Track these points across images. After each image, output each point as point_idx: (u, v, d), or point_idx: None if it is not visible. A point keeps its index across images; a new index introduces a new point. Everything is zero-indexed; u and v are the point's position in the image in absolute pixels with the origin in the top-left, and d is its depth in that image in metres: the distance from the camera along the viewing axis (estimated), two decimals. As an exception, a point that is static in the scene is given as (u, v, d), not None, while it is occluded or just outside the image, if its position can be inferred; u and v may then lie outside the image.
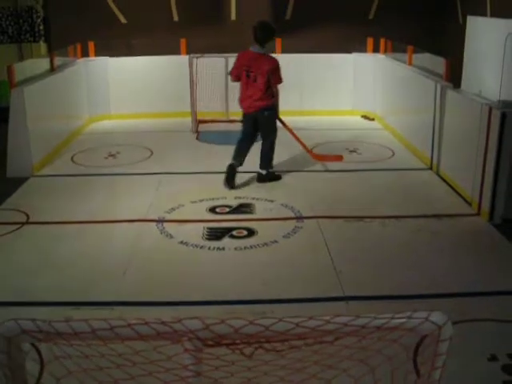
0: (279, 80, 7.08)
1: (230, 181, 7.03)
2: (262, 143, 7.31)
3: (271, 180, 7.34)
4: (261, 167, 7.33)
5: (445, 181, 7.26)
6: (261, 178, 7.31)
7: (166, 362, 1.82)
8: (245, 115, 7.18)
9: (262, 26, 7.01)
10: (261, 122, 7.07)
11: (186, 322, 1.74)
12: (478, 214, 6.25)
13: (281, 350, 1.92)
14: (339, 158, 7.84)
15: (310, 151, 7.87)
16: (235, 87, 10.05)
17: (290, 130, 7.50)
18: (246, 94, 7.05)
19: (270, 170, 7.38)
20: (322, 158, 7.96)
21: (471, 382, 3.60)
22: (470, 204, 6.48)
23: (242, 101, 7.12)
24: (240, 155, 7.14)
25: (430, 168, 7.73)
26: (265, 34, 6.99)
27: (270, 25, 7.18)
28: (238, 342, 1.82)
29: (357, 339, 1.83)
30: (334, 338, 1.83)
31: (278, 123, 7.31)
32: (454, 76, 7.62)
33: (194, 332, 1.73)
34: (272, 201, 6.69)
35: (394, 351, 1.89)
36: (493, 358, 3.79)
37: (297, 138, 7.61)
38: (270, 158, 7.36)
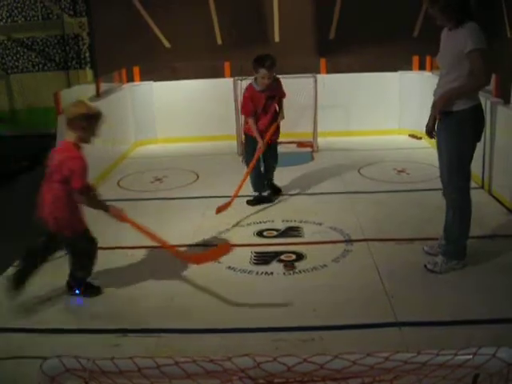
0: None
1: None
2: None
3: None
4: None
5: (497, 200, 7.05)
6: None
7: (215, 403, 1.74)
8: None
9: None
10: None
11: (236, 359, 1.66)
12: (534, 234, 6.05)
13: (337, 390, 1.82)
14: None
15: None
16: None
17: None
18: None
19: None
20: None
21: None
22: (525, 224, 6.28)
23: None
24: None
25: (482, 187, 7.52)
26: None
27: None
28: (291, 380, 1.73)
29: (417, 378, 1.72)
30: (393, 377, 1.72)
31: None
32: (503, 92, 7.43)
33: (244, 370, 1.65)
34: (320, 223, 6.57)
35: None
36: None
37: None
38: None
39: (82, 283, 5.10)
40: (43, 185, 4.74)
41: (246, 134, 7.37)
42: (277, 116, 7.14)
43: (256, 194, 7.34)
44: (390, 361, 1.64)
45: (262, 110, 7.00)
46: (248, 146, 7.30)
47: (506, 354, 1.63)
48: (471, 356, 1.65)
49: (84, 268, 5.07)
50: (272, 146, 7.18)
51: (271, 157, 7.27)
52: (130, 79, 10.82)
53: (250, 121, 7.02)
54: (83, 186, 4.67)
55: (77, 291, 5.08)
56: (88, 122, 4.68)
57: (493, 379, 1.66)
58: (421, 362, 1.66)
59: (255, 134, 6.99)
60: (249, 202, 7.26)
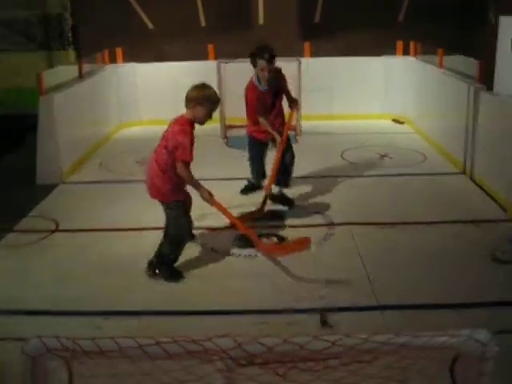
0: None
1: None
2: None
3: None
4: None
5: (479, 186, 7.10)
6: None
7: (196, 383, 1.75)
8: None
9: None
10: None
11: (217, 340, 1.66)
12: (515, 219, 6.09)
13: (316, 370, 1.83)
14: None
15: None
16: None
17: None
18: None
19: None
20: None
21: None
22: (505, 210, 6.32)
23: None
24: None
25: (464, 172, 7.57)
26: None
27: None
28: (271, 360, 1.74)
29: (396, 359, 1.74)
30: (373, 358, 1.74)
31: None
32: (486, 78, 7.46)
33: (225, 351, 1.66)
34: (303, 207, 6.59)
35: (435, 370, 1.79)
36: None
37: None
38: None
39: (165, 263, 5.09)
40: (155, 149, 5.16)
41: (250, 137, 6.75)
42: (282, 110, 6.60)
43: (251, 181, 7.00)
44: (369, 342, 1.65)
45: (271, 108, 6.42)
46: (252, 150, 6.82)
47: (481, 336, 1.66)
48: (448, 337, 1.67)
49: (171, 242, 5.08)
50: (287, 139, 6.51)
51: (288, 149, 6.54)
52: (113, 60, 10.73)
53: (262, 120, 6.32)
54: (186, 160, 4.94)
55: (156, 271, 5.08)
56: (206, 104, 4.96)
57: (470, 360, 1.68)
58: (400, 343, 1.68)
59: (271, 131, 6.33)
60: (242, 191, 7.07)
